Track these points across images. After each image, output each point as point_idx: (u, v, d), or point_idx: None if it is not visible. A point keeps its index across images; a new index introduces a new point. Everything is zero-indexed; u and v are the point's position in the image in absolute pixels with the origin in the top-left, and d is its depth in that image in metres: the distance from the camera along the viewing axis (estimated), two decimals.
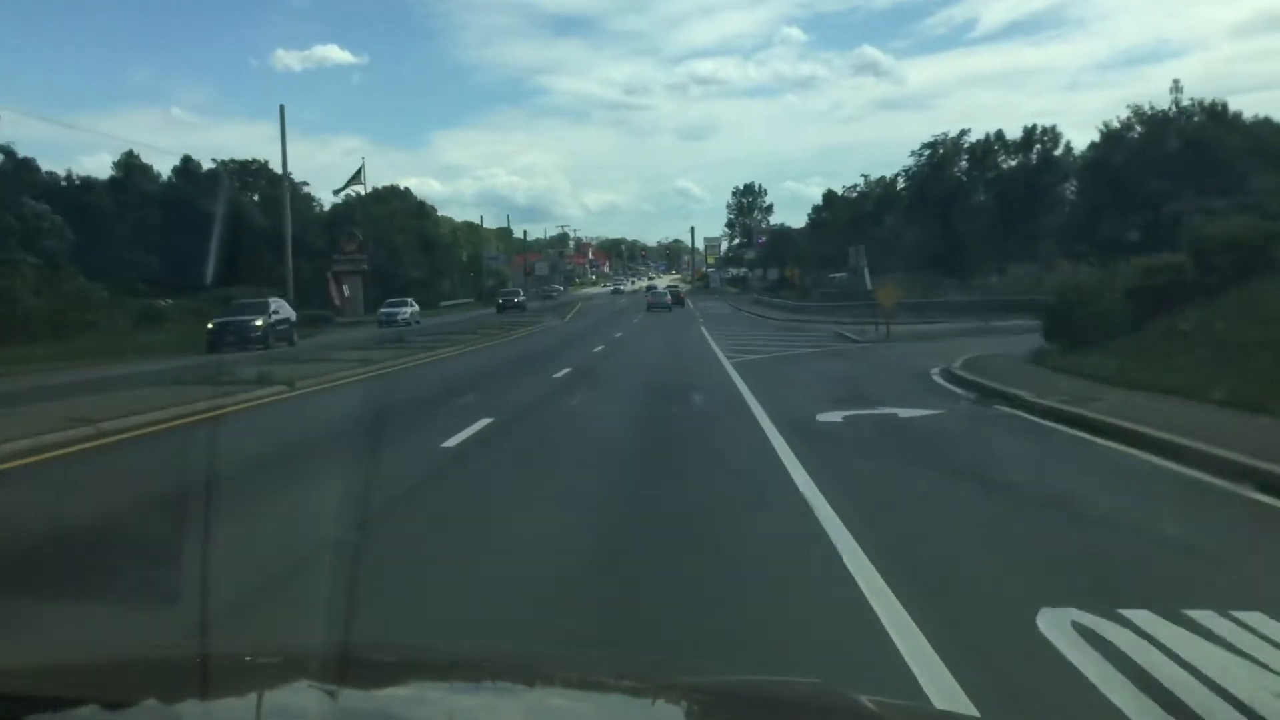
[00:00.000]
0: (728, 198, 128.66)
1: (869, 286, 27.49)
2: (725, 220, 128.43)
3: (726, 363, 20.33)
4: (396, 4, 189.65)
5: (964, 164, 59.19)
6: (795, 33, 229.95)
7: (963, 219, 54.77)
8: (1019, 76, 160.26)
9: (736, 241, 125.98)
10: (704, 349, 25.60)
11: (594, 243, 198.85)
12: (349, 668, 1.69)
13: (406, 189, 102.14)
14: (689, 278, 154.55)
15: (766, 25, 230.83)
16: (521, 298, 70.59)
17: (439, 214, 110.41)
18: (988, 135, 58.09)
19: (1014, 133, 57.18)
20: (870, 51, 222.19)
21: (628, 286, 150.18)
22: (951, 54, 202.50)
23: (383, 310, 49.73)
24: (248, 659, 1.93)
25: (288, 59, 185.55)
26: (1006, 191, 56.15)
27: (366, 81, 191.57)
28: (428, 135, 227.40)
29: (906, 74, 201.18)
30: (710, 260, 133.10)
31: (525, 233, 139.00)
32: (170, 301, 40.16)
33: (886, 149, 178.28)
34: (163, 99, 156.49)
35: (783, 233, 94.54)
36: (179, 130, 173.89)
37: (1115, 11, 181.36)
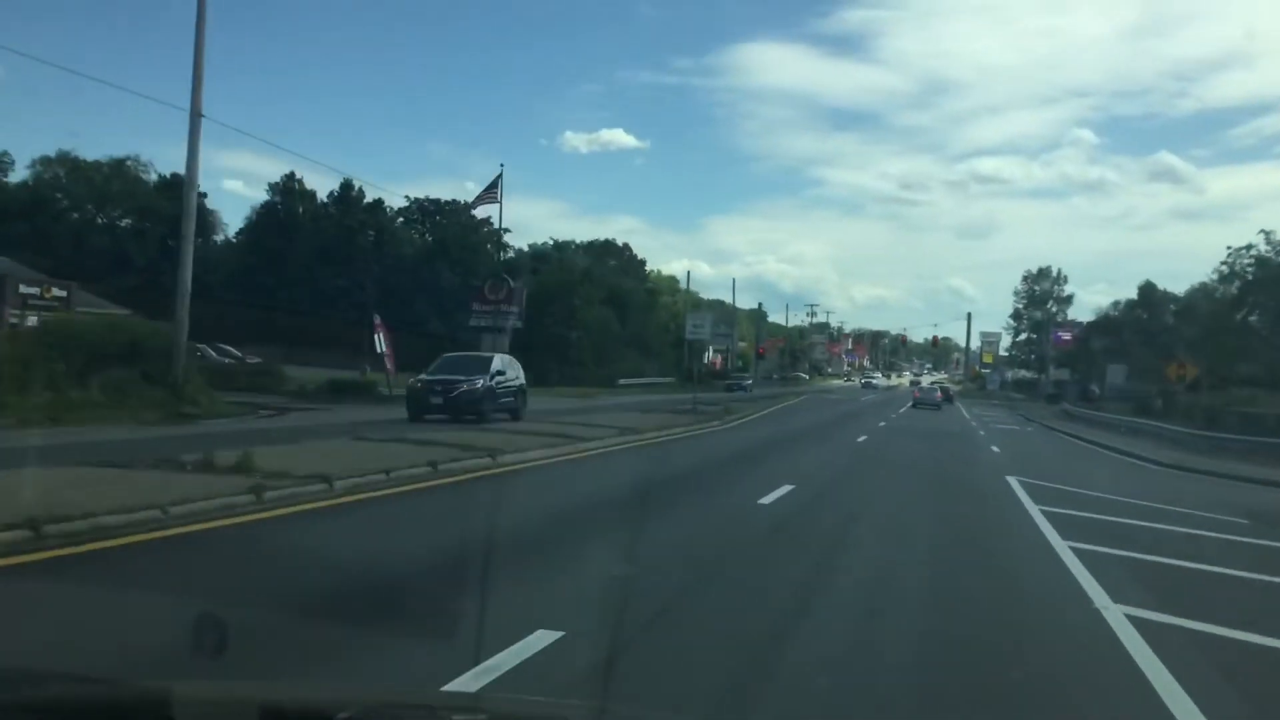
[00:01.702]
0: (1011, 289, 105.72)
1: None
2: (1010, 311, 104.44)
3: None
4: (684, 93, 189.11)
5: None
6: (1086, 135, 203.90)
7: None
8: None
9: (1023, 336, 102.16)
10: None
11: (852, 333, 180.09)
12: None
13: (625, 244, 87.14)
14: (957, 377, 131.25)
15: (1056, 127, 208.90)
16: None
17: (691, 290, 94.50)
18: None
19: None
20: (1168, 158, 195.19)
21: (881, 381, 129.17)
22: (1259, 166, 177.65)
23: None
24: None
25: (575, 141, 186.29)
26: None
27: (648, 165, 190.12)
28: (701, 219, 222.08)
29: (1207, 184, 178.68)
30: (988, 359, 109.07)
31: (761, 305, 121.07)
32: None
33: (1181, 259, 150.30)
34: (461, 173, 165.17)
35: (1105, 324, 69.81)
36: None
37: None
